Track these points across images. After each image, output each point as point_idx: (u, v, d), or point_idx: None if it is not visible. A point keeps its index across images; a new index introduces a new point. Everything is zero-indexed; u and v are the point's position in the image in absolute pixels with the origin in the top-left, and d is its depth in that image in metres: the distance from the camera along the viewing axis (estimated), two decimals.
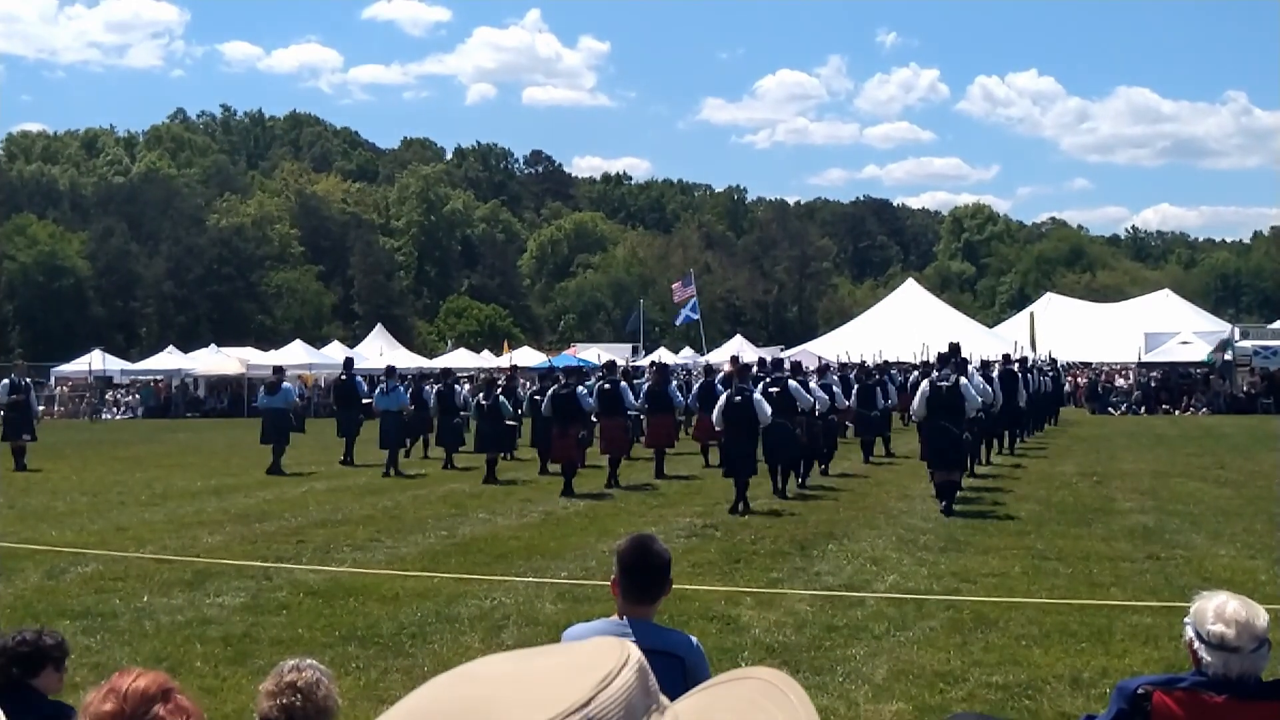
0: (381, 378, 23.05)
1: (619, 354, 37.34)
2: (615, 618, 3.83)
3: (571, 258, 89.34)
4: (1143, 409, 39.36)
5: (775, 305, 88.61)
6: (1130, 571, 10.51)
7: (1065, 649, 7.76)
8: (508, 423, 20.46)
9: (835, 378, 21.51)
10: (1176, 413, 38.45)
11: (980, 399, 15.89)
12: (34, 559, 11.37)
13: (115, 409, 45.72)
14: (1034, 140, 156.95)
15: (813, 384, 18.49)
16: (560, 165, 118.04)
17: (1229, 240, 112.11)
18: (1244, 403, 38.04)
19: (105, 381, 46.59)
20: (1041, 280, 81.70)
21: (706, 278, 72.42)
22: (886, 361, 31.40)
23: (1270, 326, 43.50)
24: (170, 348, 49.90)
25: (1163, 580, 10.09)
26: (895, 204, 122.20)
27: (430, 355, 53.71)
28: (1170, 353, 41.83)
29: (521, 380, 26.89)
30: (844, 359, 30.38)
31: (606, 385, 18.71)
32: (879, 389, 22.12)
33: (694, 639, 3.87)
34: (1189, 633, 3.55)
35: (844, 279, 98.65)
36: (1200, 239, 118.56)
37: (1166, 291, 55.65)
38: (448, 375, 23.16)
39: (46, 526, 13.72)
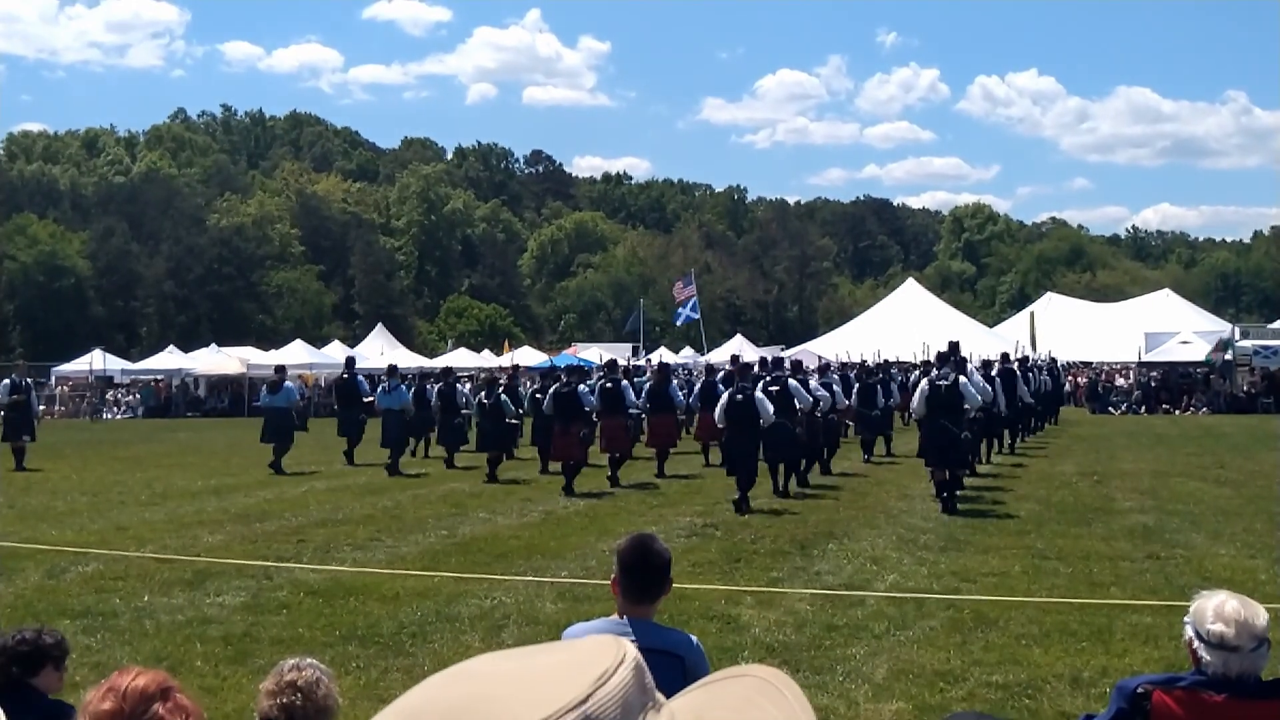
0: (383, 377, 23.07)
1: (619, 354, 37.33)
2: (615, 617, 3.83)
3: (572, 257, 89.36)
4: (1143, 409, 39.36)
5: (775, 305, 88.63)
6: (1130, 571, 10.51)
7: (1065, 648, 7.76)
8: (509, 421, 20.48)
9: (835, 377, 21.52)
10: (1176, 412, 38.45)
11: (980, 398, 15.91)
12: (34, 558, 11.38)
13: (115, 409, 45.73)
14: (1034, 140, 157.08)
15: (813, 383, 18.50)
16: (560, 165, 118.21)
17: (1229, 240, 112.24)
18: (1244, 402, 38.05)
19: (105, 381, 46.60)
20: (1042, 280, 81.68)
21: (707, 277, 72.44)
22: (886, 361, 31.40)
23: (1270, 326, 43.47)
24: (170, 347, 49.91)
25: (1163, 580, 10.09)
26: (895, 204, 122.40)
27: (430, 355, 53.71)
28: (1170, 352, 41.83)
29: (523, 379, 26.91)
30: (844, 359, 30.39)
31: (608, 384, 18.73)
32: (879, 388, 22.13)
33: (694, 638, 3.88)
34: (1188, 632, 3.55)
35: (844, 279, 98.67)
36: (1200, 239, 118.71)
37: (1166, 291, 55.64)
38: (449, 374, 23.18)
39: (47, 526, 13.72)
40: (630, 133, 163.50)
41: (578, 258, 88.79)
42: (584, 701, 0.71)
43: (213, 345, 49.84)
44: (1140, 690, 3.55)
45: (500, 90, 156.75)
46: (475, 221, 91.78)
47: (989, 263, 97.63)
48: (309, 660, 3.55)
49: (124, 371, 48.44)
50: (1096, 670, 7.19)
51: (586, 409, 17.82)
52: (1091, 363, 48.12)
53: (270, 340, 56.49)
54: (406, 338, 63.24)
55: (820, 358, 30.88)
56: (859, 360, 27.58)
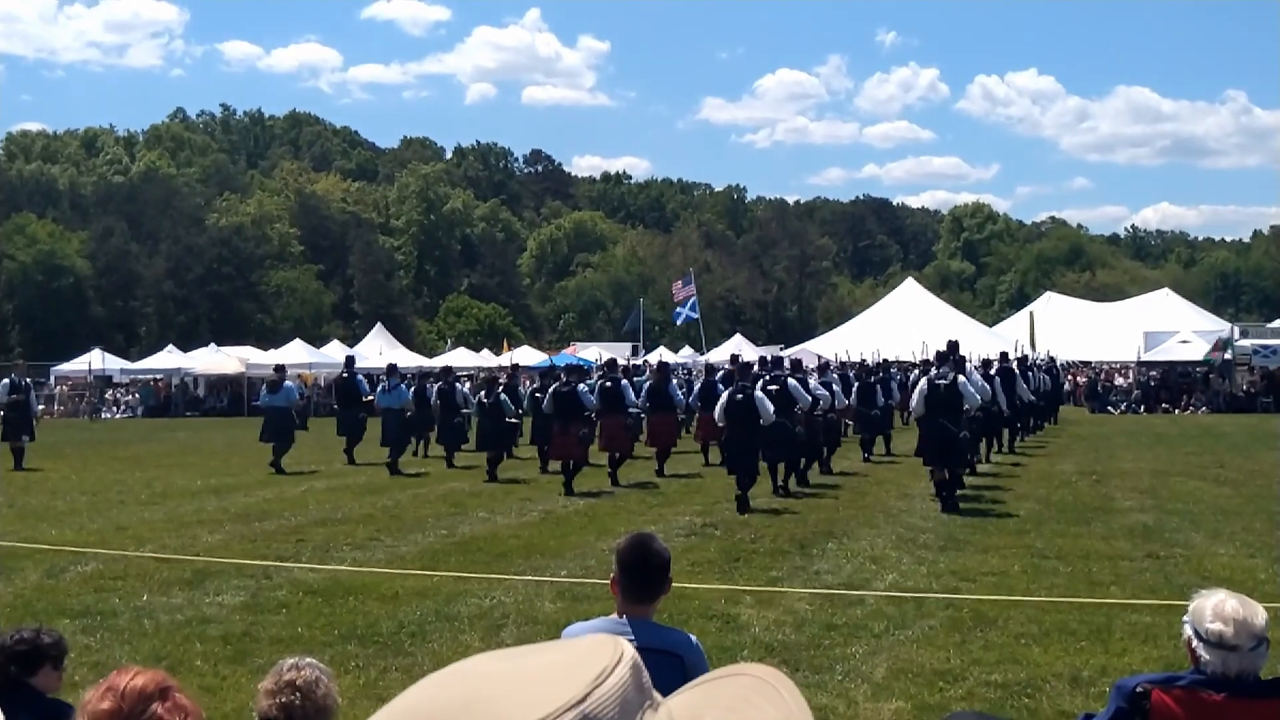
0: (383, 376, 23.08)
1: (618, 353, 37.34)
2: (615, 616, 3.83)
3: (571, 257, 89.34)
4: (1142, 408, 39.38)
5: (775, 304, 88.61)
6: (1129, 570, 10.51)
7: (1064, 647, 7.76)
8: (509, 420, 20.48)
9: (835, 376, 21.53)
10: (1176, 412, 38.46)
11: (978, 397, 15.92)
12: (34, 558, 11.38)
13: (115, 408, 45.72)
14: (1034, 139, 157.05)
15: (813, 382, 18.50)
16: (560, 164, 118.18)
17: (1229, 239, 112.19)
18: (1243, 402, 38.06)
19: (105, 381, 46.58)
20: (1041, 279, 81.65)
21: (706, 277, 72.41)
22: (886, 360, 31.40)
23: (1270, 325, 43.48)
24: (170, 347, 49.88)
25: (1162, 579, 10.10)
26: (895, 203, 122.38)
27: (430, 354, 53.69)
28: (1170, 352, 41.83)
29: (523, 379, 26.93)
30: (844, 358, 30.39)
31: (608, 383, 18.74)
32: (879, 387, 22.14)
33: (693, 638, 3.88)
34: (1187, 631, 3.55)
35: (844, 278, 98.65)
36: (1200, 238, 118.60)
37: (1166, 291, 55.61)
38: (449, 374, 23.19)
39: (46, 526, 13.72)
40: (630, 132, 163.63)
41: (577, 257, 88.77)
42: (582, 701, 0.70)
43: (212, 345, 49.80)
44: (1139, 689, 3.55)
45: (499, 90, 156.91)
46: (474, 221, 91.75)
47: (988, 262, 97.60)
48: (308, 660, 3.55)
49: (123, 371, 48.42)
50: (1096, 669, 7.19)
51: (586, 408, 17.83)
52: (1091, 362, 48.10)
53: (269, 340, 56.47)
54: (406, 337, 63.21)
55: (819, 357, 30.88)
56: (859, 360, 27.58)
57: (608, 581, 4.22)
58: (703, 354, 43.79)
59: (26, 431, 21.96)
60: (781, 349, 42.03)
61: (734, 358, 23.51)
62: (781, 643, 7.95)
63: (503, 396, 19.96)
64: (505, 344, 53.01)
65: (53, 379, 47.39)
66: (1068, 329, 48.53)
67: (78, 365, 46.90)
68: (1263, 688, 3.48)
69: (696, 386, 22.13)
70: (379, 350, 46.34)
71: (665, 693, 0.80)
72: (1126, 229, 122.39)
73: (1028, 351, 33.36)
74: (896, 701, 6.64)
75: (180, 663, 7.37)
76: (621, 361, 25.42)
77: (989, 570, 10.52)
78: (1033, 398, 24.47)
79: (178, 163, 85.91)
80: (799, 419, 16.48)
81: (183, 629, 8.47)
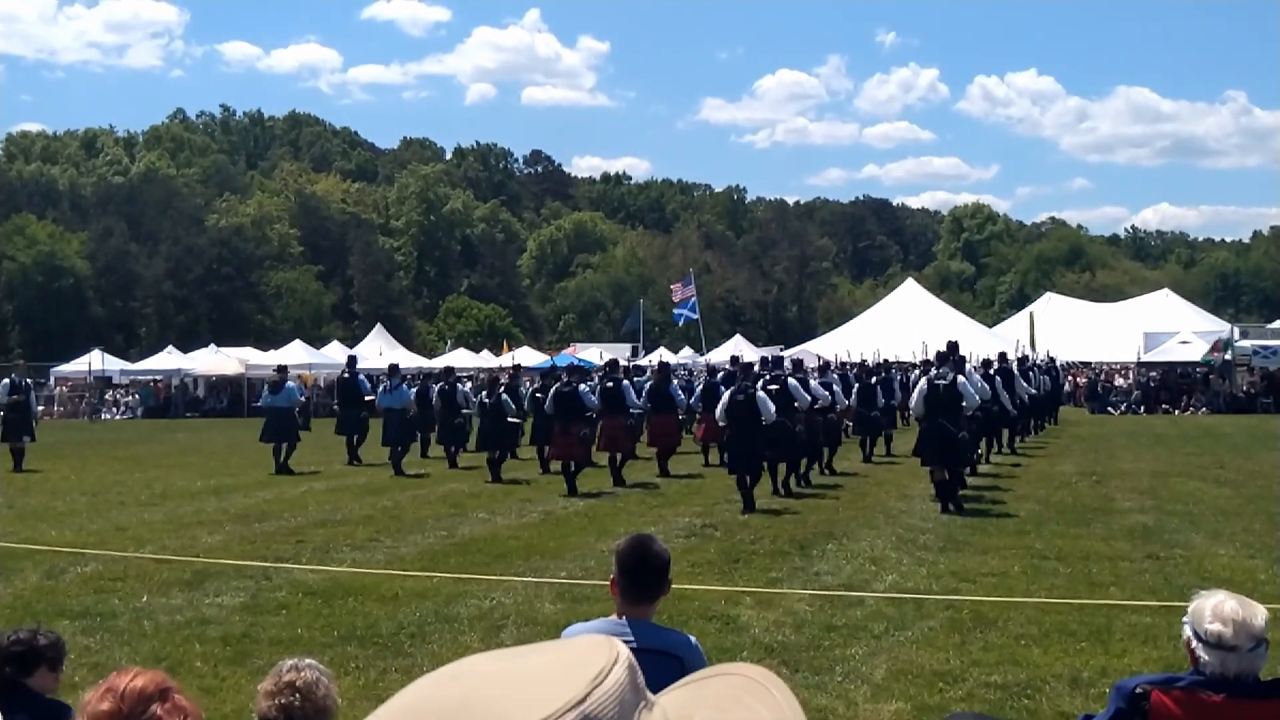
0: (384, 376, 23.12)
1: (618, 354, 37.33)
2: (614, 617, 3.83)
3: (571, 258, 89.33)
4: (1142, 409, 39.38)
5: (775, 305, 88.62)
6: (1129, 571, 10.51)
7: (1064, 649, 7.76)
8: (510, 420, 20.49)
9: (835, 376, 21.52)
10: (1176, 412, 38.46)
11: (978, 397, 15.93)
12: (33, 559, 11.38)
13: (115, 409, 45.72)
14: (1033, 140, 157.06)
15: (813, 382, 18.51)
16: (560, 165, 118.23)
17: (1228, 240, 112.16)
18: (1243, 402, 38.06)
19: (105, 381, 46.59)
20: (1041, 280, 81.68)
21: (706, 277, 72.41)
22: (886, 361, 31.42)
23: (1270, 326, 43.48)
24: (170, 348, 49.91)
25: (1162, 580, 10.09)
26: (895, 204, 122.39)
27: (430, 355, 53.72)
28: (1170, 352, 41.84)
29: (523, 379, 26.96)
30: (844, 359, 30.40)
31: (609, 384, 18.75)
32: (879, 388, 22.15)
33: (693, 639, 3.88)
34: (1187, 632, 3.55)
35: (843, 279, 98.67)
36: (1200, 239, 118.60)
37: (1166, 291, 55.61)
38: (450, 374, 23.22)
39: (46, 526, 13.72)
40: (629, 133, 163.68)
41: (577, 258, 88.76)
42: (583, 701, 0.71)
43: (212, 346, 49.83)
44: (1139, 690, 3.55)
45: (499, 90, 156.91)
46: (474, 222, 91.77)
47: (988, 263, 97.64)
48: (308, 661, 3.55)
49: (123, 372, 48.43)
50: (1095, 670, 7.18)
51: (588, 409, 17.84)
52: (1091, 363, 48.11)
53: (269, 340, 56.48)
54: (405, 338, 63.22)
55: (819, 357, 30.88)
56: (859, 360, 27.60)
57: (607, 582, 4.22)
58: (703, 355, 43.81)
59: (27, 432, 21.97)
60: (781, 350, 42.01)
61: (734, 358, 23.52)
62: (781, 644, 7.95)
63: (504, 397, 19.97)
64: (505, 345, 53.02)
65: (52, 380, 47.40)
66: (1068, 329, 48.53)
67: (77, 366, 46.91)
68: (1262, 688, 3.48)
69: (698, 388, 22.14)
70: (379, 351, 46.35)
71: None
72: (1126, 229, 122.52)
73: (1028, 352, 33.39)
74: (896, 703, 6.64)
75: (180, 664, 7.37)
76: (622, 362, 25.42)
77: (989, 571, 10.51)
78: (1031, 392, 24.52)
79: (177, 163, 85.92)
80: (799, 419, 16.49)
81: (182, 630, 8.47)
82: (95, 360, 45.73)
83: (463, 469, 20.64)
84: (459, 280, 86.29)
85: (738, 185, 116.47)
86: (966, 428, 15.44)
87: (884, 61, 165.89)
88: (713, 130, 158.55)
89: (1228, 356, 39.22)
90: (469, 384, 28.83)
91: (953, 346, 16.22)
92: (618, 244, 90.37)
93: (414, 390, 22.96)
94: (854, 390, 21.58)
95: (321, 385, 43.35)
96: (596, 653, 0.75)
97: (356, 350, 43.61)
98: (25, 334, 63.51)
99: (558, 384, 18.47)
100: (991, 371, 21.00)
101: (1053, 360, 35.79)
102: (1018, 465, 20.59)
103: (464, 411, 21.87)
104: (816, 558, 11.34)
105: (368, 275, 77.60)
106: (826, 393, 18.37)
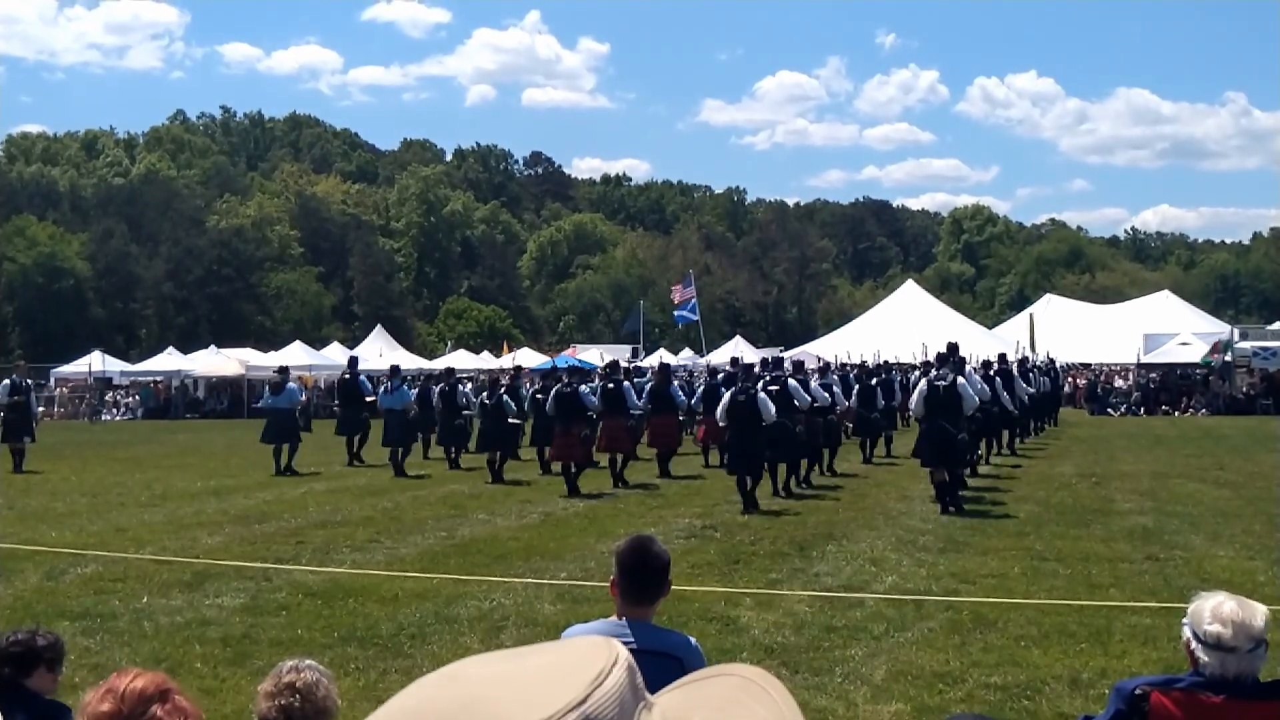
0: (386, 377, 23.14)
1: (619, 355, 37.34)
2: (614, 618, 3.83)
3: (571, 259, 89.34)
4: (1142, 410, 39.37)
5: (775, 306, 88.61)
6: (1129, 572, 10.51)
7: (1064, 650, 7.76)
8: (511, 421, 20.50)
9: (835, 378, 21.53)
10: (1176, 414, 38.46)
11: (977, 399, 15.94)
12: (33, 560, 11.38)
13: (115, 410, 45.72)
14: (1033, 141, 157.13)
15: (813, 384, 18.52)
16: (560, 166, 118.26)
17: (1228, 241, 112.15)
18: (1243, 404, 38.06)
19: (105, 383, 46.61)
20: (1041, 281, 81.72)
21: (706, 279, 72.39)
22: (887, 362, 31.43)
23: (1269, 328, 43.49)
24: (170, 349, 49.93)
25: (1161, 581, 10.09)
26: (895, 205, 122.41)
27: (430, 356, 53.74)
28: (1169, 354, 41.85)
29: (524, 380, 26.98)
30: (844, 360, 30.40)
31: (610, 385, 18.76)
32: (880, 389, 22.16)
33: (693, 640, 3.88)
34: (1186, 633, 3.55)
35: (843, 280, 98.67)
36: (1200, 240, 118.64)
37: (1166, 293, 55.63)
38: (451, 375, 23.23)
39: (46, 527, 13.72)
40: (630, 134, 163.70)
41: (577, 259, 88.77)
42: (583, 702, 0.71)
43: (212, 347, 49.84)
44: (1138, 691, 3.55)
45: (499, 92, 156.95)
46: (474, 223, 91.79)
47: (988, 264, 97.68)
48: (308, 662, 3.55)
49: (123, 373, 48.45)
50: (1095, 672, 7.19)
51: (589, 410, 17.84)
52: (1091, 364, 48.11)
53: (269, 342, 56.49)
54: (406, 339, 63.21)
55: (820, 359, 30.88)
56: (859, 361, 27.62)
57: (607, 584, 4.22)
58: (703, 356, 43.77)
59: (27, 433, 21.98)
60: (782, 351, 41.98)
61: (734, 360, 23.54)
62: (781, 645, 7.95)
63: (504, 398, 19.98)
64: (505, 346, 53.01)
65: (53, 381, 47.40)
66: (1068, 331, 48.54)
67: (78, 367, 46.92)
68: (1261, 690, 3.48)
69: (699, 389, 22.14)
70: (379, 352, 46.37)
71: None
72: (1126, 231, 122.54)
73: (1028, 353, 33.39)
74: (896, 704, 6.64)
75: (180, 665, 7.37)
76: (622, 364, 25.43)
77: (988, 572, 10.51)
78: (1030, 392, 24.55)
79: (178, 165, 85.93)
80: (799, 420, 16.50)
81: (182, 631, 8.47)
82: (95, 361, 45.75)
83: (465, 470, 20.65)
84: (459, 281, 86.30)
85: (738, 187, 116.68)
86: (966, 429, 15.45)
87: (884, 63, 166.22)
88: (713, 132, 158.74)
89: (1227, 358, 39.23)
90: (469, 385, 28.85)
91: (953, 348, 16.23)
92: (618, 245, 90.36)
93: (415, 391, 23.00)
94: (854, 392, 21.58)
95: (321, 386, 43.35)
96: (596, 654, 0.75)
97: (356, 351, 43.67)
98: (25, 335, 63.52)
99: (559, 385, 18.48)
100: (991, 373, 21.02)
101: (1052, 362, 35.79)
102: (1017, 466, 20.59)
103: (465, 413, 21.89)
104: (816, 559, 11.34)
105: (368, 276, 77.61)
106: (826, 394, 18.37)
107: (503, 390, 20.33)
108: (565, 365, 26.14)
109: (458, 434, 21.73)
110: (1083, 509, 14.72)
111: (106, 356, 47.55)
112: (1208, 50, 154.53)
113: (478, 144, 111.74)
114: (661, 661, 3.43)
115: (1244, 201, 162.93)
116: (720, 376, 21.82)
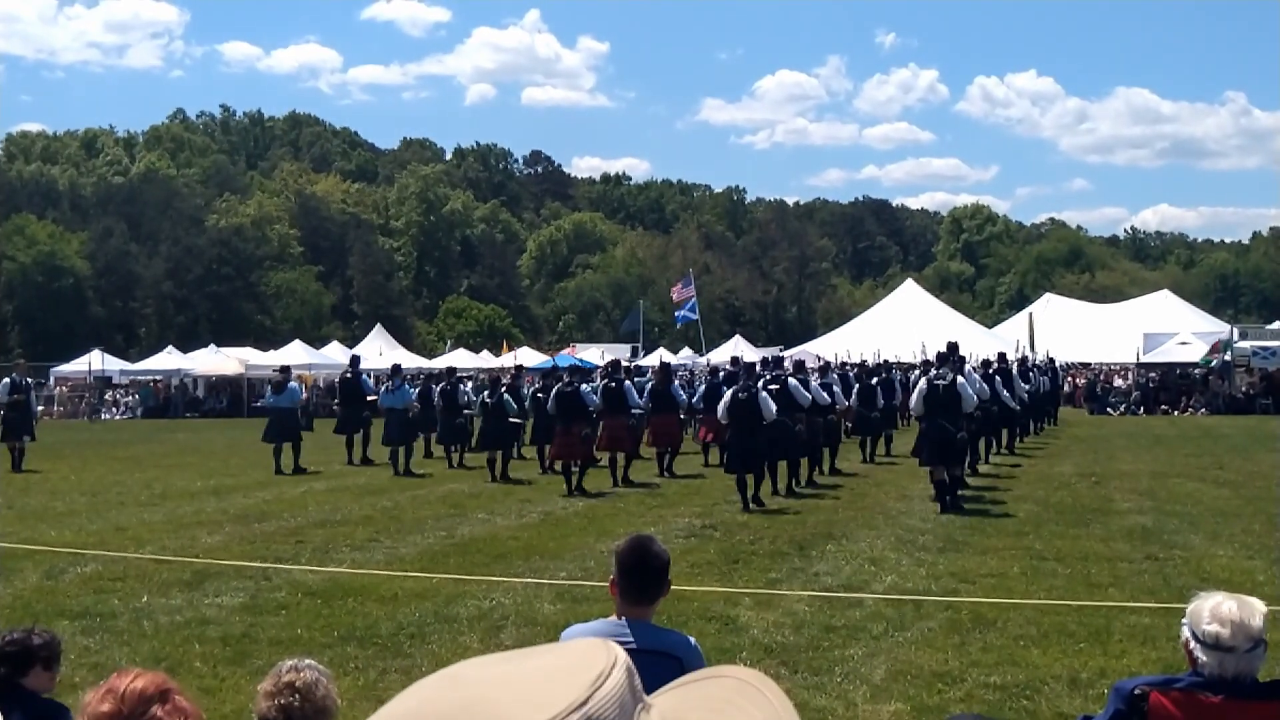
0: (387, 376, 23.16)
1: (618, 354, 37.34)
2: (614, 618, 3.83)
3: (571, 258, 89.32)
4: (1141, 409, 39.37)
5: (774, 305, 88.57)
6: (1128, 572, 10.51)
7: (1063, 649, 7.76)
8: (511, 420, 20.51)
9: (835, 377, 21.53)
10: (1175, 413, 38.45)
11: (976, 398, 15.95)
12: (33, 559, 11.38)
13: (114, 409, 45.71)
14: (1033, 141, 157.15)
15: (814, 383, 18.52)
16: (559, 165, 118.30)
17: (1228, 241, 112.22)
18: (1242, 403, 38.06)
19: (104, 382, 46.59)
20: (1040, 281, 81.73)
21: (706, 278, 72.36)
22: (886, 361, 31.44)
23: (1269, 327, 43.48)
24: (169, 348, 49.91)
25: (1161, 581, 10.09)
26: (894, 204, 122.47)
27: (429, 355, 53.72)
28: (1169, 353, 41.84)
29: (525, 379, 26.98)
30: (844, 359, 30.41)
31: (611, 384, 18.76)
32: (880, 388, 22.16)
33: (692, 639, 3.88)
34: (1185, 633, 3.56)
35: (843, 279, 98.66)
36: (1199, 239, 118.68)
37: (1165, 292, 55.61)
38: (452, 374, 23.23)
39: (45, 527, 13.72)
40: (629, 133, 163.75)
41: (577, 258, 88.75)
42: (584, 703, 0.71)
43: (211, 346, 49.84)
44: (1137, 691, 3.55)
45: (499, 91, 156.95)
46: (474, 222, 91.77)
47: (988, 263, 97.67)
48: (307, 661, 3.55)
49: (123, 372, 48.43)
50: (1094, 671, 7.19)
51: (590, 409, 17.85)
52: (1090, 364, 48.12)
53: (269, 341, 56.48)
54: (405, 338, 63.22)
55: (819, 358, 30.88)
56: (859, 361, 27.61)
57: (607, 583, 4.22)
58: (702, 355, 43.77)
59: (27, 432, 21.98)
60: (781, 350, 41.99)
61: (735, 359, 23.54)
62: (780, 644, 7.95)
63: (505, 397, 19.98)
64: (505, 345, 53.00)
65: (52, 380, 47.40)
66: (1067, 330, 48.53)
67: (77, 366, 46.91)
68: (1260, 689, 3.49)
69: (700, 388, 22.14)
70: (379, 351, 46.37)
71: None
72: (1126, 230, 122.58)
73: (1027, 353, 33.40)
74: (895, 703, 6.64)
75: (179, 664, 7.38)
76: (623, 362, 25.44)
77: (988, 572, 10.52)
78: (1029, 390, 24.57)
79: (177, 163, 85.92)
80: (799, 419, 16.50)
81: (182, 630, 8.47)
82: (95, 360, 45.73)
83: (467, 469, 20.65)
84: (459, 281, 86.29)
85: (737, 186, 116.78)
86: (965, 428, 15.46)
87: (884, 62, 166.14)
88: (712, 131, 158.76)
89: (1227, 357, 39.22)
90: (469, 384, 28.85)
91: (952, 347, 16.24)
92: (617, 244, 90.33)
93: (416, 390, 23.02)
94: (854, 391, 21.58)
95: (321, 386, 43.33)
96: (595, 655, 0.75)
97: (356, 350, 43.65)
98: (25, 334, 63.51)
99: (559, 384, 18.48)
100: (991, 372, 21.02)
101: (1052, 361, 35.80)
102: (1017, 466, 20.59)
103: (465, 411, 21.90)
104: (816, 558, 11.34)
105: (367, 275, 77.61)
106: (826, 394, 18.37)
107: (504, 389, 20.34)
108: (566, 364, 26.13)
109: (458, 433, 21.74)
110: (1082, 508, 14.72)
111: (106, 355, 47.52)
112: (1208, 50, 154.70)
113: (477, 143, 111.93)
114: (661, 661, 3.43)
115: (1243, 201, 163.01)
116: (721, 375, 21.84)
